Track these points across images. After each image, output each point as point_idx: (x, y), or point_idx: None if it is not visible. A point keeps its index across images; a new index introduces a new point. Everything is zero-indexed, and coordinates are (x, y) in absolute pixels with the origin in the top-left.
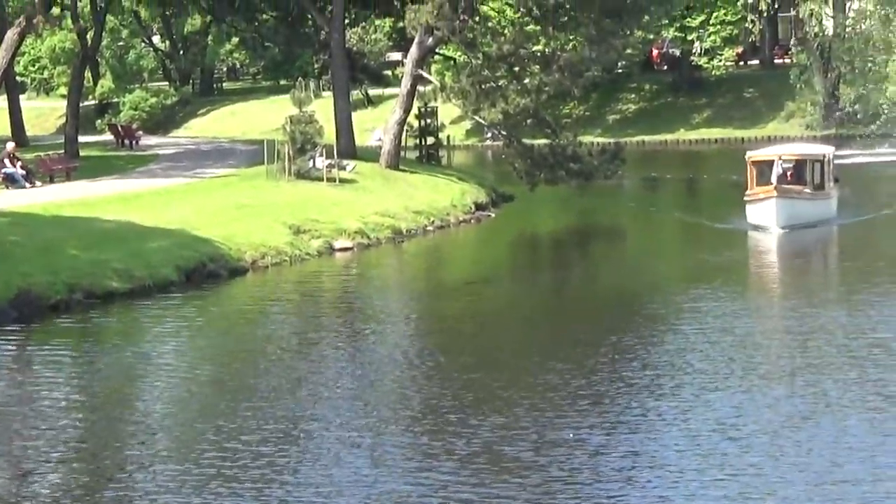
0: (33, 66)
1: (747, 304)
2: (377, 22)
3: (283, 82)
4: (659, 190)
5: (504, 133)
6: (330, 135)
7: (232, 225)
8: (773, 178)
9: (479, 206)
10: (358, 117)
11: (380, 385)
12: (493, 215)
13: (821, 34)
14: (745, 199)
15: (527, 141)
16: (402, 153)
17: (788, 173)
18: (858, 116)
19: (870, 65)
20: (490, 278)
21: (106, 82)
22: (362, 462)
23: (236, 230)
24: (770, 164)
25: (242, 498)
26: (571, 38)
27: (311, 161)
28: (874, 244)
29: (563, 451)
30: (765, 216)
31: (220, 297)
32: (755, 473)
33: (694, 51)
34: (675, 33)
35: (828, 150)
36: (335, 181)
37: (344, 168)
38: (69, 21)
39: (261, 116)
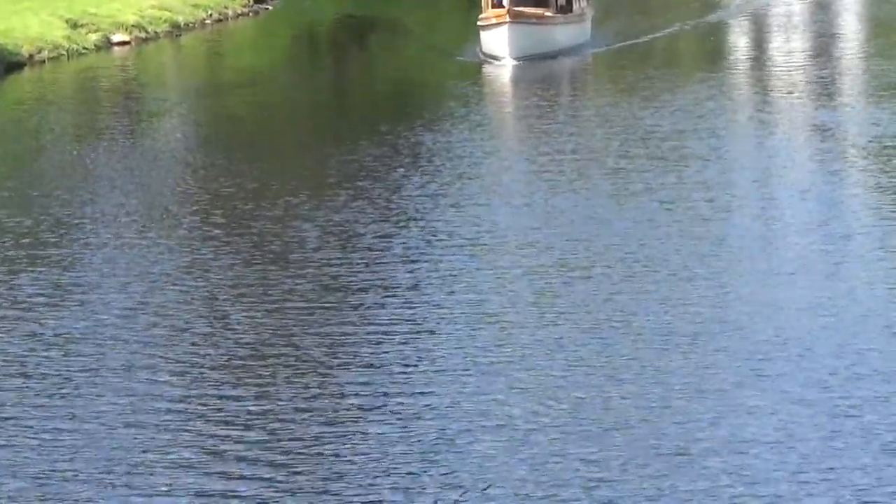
0: None
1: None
2: None
3: None
4: None
5: None
6: None
7: (8, 19)
8: (506, 1)
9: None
10: None
11: (156, 177)
12: (270, 8)
13: None
14: (478, 23)
15: None
16: None
17: None
18: None
19: None
20: (268, 73)
21: None
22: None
23: (13, 24)
24: None
25: None
26: None
27: None
28: (627, 73)
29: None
30: (497, 45)
31: None
32: None
33: None
34: None
35: None
36: None
37: None
38: None
39: None
